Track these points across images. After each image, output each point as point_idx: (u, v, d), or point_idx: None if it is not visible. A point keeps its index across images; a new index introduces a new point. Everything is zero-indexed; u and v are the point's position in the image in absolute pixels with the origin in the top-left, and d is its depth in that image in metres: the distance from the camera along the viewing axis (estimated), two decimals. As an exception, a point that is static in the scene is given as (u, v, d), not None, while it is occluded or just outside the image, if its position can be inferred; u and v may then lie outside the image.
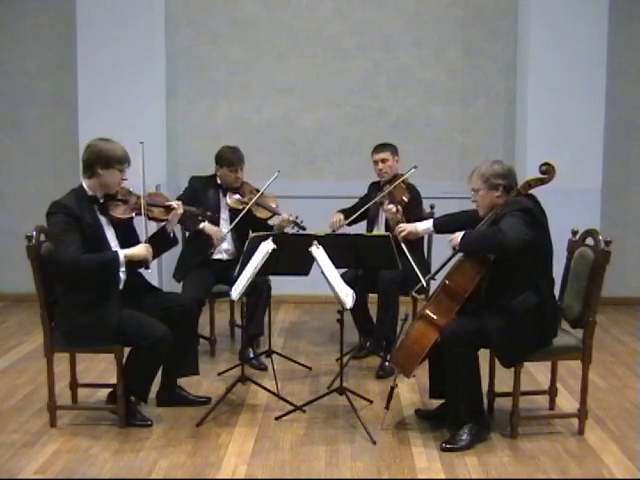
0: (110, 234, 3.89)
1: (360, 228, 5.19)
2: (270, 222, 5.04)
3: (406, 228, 4.54)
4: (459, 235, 3.67)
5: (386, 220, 4.94)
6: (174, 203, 4.10)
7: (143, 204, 3.92)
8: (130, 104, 6.09)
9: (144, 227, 3.93)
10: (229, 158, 4.97)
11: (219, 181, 5.05)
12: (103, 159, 3.78)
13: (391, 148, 5.08)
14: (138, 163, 4.02)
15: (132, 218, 3.96)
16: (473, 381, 3.66)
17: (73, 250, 3.64)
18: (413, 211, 4.86)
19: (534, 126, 6.20)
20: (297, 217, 4.92)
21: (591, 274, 3.75)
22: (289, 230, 4.91)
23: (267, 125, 6.74)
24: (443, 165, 6.70)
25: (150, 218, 4.00)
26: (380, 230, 5.03)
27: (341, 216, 5.09)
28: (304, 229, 4.89)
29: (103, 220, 3.87)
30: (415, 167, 4.82)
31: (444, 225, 4.32)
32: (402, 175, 4.99)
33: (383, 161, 5.03)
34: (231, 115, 6.74)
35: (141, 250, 3.84)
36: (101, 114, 6.05)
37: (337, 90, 6.71)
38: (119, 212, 3.89)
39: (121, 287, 3.90)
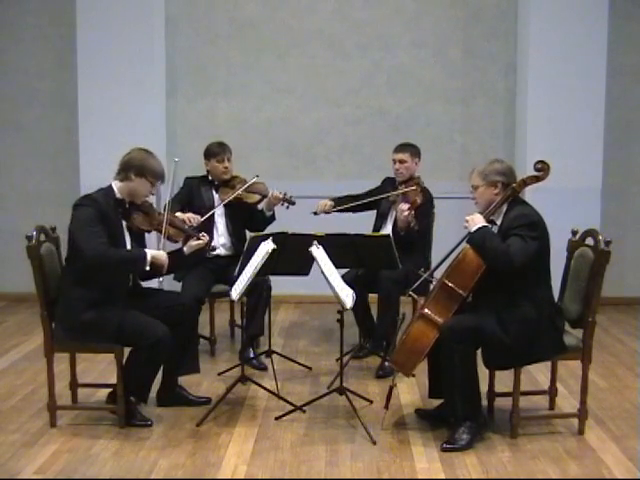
0: (127, 240, 3.94)
1: (365, 222, 5.19)
2: (260, 206, 5.07)
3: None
4: (478, 223, 3.66)
5: (395, 219, 4.96)
6: (203, 236, 4.13)
7: (165, 220, 4.00)
8: (130, 104, 6.10)
9: (161, 244, 3.98)
10: (215, 149, 5.04)
11: (210, 177, 5.08)
12: (140, 167, 3.86)
13: (412, 150, 5.07)
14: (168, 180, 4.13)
15: (149, 231, 4.04)
16: (470, 377, 3.66)
17: (99, 242, 3.69)
18: (423, 215, 4.88)
19: (534, 126, 6.20)
20: (285, 193, 4.96)
21: (591, 274, 3.75)
22: (279, 206, 4.99)
23: (267, 125, 6.74)
24: (443, 165, 6.70)
25: (167, 236, 4.04)
26: (388, 227, 5.03)
27: (329, 202, 5.11)
28: (293, 203, 4.95)
29: (123, 224, 3.93)
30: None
31: None
32: (419, 177, 5.01)
33: (401, 162, 5.01)
34: (231, 115, 6.74)
35: (163, 255, 3.90)
36: (101, 114, 6.05)
37: (337, 90, 6.71)
38: (139, 222, 3.97)
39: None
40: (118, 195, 3.89)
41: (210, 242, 4.28)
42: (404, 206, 4.74)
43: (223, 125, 6.71)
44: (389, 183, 5.21)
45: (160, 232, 4.01)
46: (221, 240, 5.06)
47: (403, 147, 5.09)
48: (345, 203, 5.14)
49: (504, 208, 3.76)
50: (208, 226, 4.97)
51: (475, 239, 3.65)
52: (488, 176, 3.75)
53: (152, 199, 4.11)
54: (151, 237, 4.09)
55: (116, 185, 3.90)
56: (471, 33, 6.63)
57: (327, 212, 5.08)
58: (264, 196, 4.99)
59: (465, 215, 3.78)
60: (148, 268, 3.82)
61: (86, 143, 6.16)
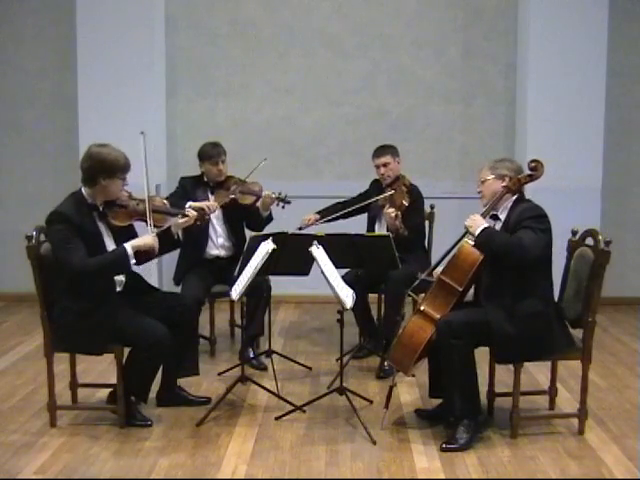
0: (109, 241, 3.85)
1: (365, 223, 5.20)
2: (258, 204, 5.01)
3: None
4: (480, 225, 3.66)
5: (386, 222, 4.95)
6: (189, 212, 4.10)
7: (148, 208, 3.87)
8: (130, 104, 6.09)
9: (149, 232, 3.88)
10: (208, 151, 4.96)
11: (206, 179, 5.04)
12: (107, 169, 3.73)
13: (391, 150, 5.05)
14: (140, 157, 4.00)
15: (132, 224, 3.95)
16: (468, 374, 3.66)
17: (80, 256, 3.62)
18: (412, 215, 4.86)
19: (534, 126, 6.20)
20: (280, 193, 4.90)
21: (591, 274, 3.75)
22: (274, 206, 4.93)
23: (267, 125, 6.74)
24: (443, 165, 6.70)
25: (152, 224, 3.92)
26: (382, 229, 5.02)
27: (313, 216, 5.08)
28: (289, 202, 4.88)
29: (102, 227, 3.84)
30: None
31: None
32: (404, 177, 5.00)
33: (385, 165, 5.00)
34: (231, 115, 6.74)
35: (147, 238, 3.79)
36: (101, 114, 6.05)
37: (337, 90, 6.71)
38: (119, 219, 3.85)
39: (120, 289, 3.90)
40: (89, 200, 3.79)
41: (204, 216, 4.31)
42: (389, 209, 4.73)
43: (223, 125, 6.71)
44: (376, 186, 5.17)
45: (144, 221, 3.87)
46: (220, 241, 5.04)
47: (382, 150, 5.05)
48: (332, 212, 5.11)
49: (509, 204, 3.77)
50: (206, 230, 4.96)
51: (482, 241, 3.65)
52: (498, 169, 3.81)
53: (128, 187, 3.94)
54: (141, 228, 3.96)
55: (86, 191, 3.79)
56: (471, 33, 6.63)
57: (311, 225, 5.01)
58: (258, 197, 4.93)
59: (465, 215, 3.78)
60: (134, 261, 3.73)
61: (86, 143, 6.10)
